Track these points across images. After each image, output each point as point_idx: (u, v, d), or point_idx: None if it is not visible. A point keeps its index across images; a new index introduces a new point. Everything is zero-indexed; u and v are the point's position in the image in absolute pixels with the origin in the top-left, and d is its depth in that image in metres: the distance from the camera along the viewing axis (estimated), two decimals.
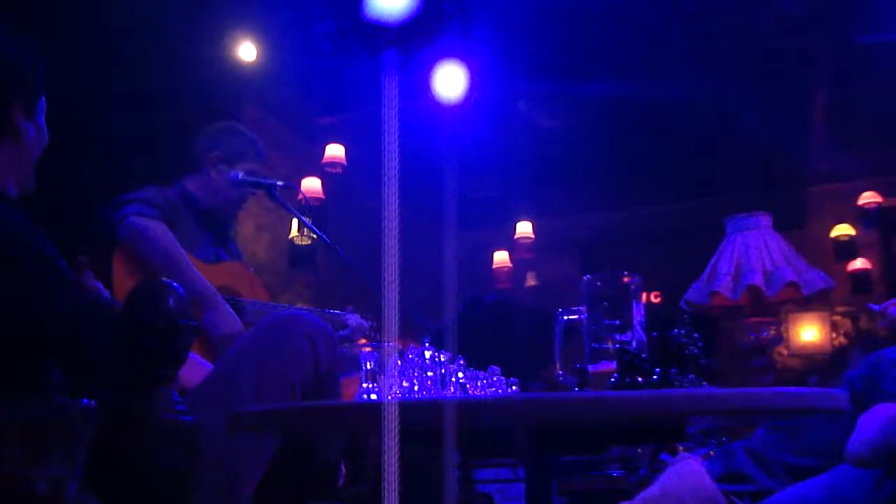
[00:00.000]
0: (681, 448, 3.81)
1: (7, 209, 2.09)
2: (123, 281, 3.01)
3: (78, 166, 4.16)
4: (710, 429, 4.15)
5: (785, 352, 9.09)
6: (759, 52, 6.93)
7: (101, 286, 2.68)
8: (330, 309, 3.56)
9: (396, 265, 1.25)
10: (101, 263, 3.01)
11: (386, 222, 1.25)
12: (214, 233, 3.42)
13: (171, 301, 1.55)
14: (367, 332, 3.55)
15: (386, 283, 1.26)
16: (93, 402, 1.54)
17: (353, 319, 3.52)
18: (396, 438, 1.27)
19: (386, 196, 1.26)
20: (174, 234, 3.14)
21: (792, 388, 1.64)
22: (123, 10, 5.09)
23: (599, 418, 1.53)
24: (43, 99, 2.28)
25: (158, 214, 3.13)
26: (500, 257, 9.20)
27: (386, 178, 1.26)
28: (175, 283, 1.61)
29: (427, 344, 1.97)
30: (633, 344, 1.95)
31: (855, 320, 9.11)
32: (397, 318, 1.28)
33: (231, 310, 3.12)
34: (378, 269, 1.28)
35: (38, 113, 2.27)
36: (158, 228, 3.10)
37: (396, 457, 1.23)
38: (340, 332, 3.40)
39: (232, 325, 3.07)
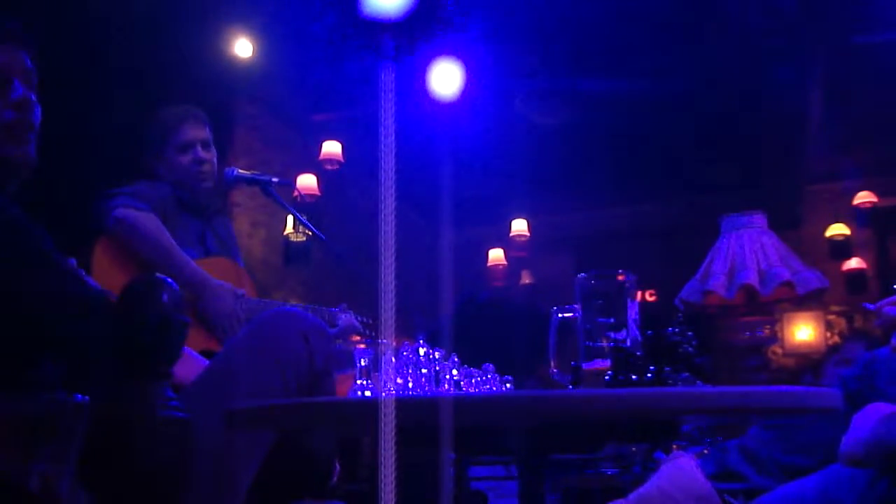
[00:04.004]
0: (675, 446, 3.82)
1: (3, 202, 2.09)
2: (103, 272, 3.03)
3: (70, 161, 4.15)
4: (704, 427, 4.16)
5: (779, 351, 9.10)
6: (755, 52, 6.93)
7: (93, 282, 2.68)
8: (323, 306, 3.56)
9: (392, 262, 1.25)
10: (85, 254, 3.03)
11: (382, 219, 1.25)
12: (204, 226, 3.43)
13: (164, 296, 1.55)
14: (360, 331, 3.55)
15: (381, 281, 1.26)
16: (86, 397, 1.54)
17: (344, 319, 3.52)
18: (391, 435, 1.27)
19: (382, 193, 1.26)
20: (165, 227, 3.16)
21: (785, 387, 1.64)
22: (119, 5, 5.08)
23: (593, 416, 1.53)
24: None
25: (147, 206, 3.16)
26: (495, 255, 9.20)
27: (382, 175, 1.26)
28: (168, 279, 1.61)
29: (422, 341, 1.97)
30: (628, 342, 1.95)
31: (850, 320, 9.13)
32: (393, 315, 1.28)
33: (225, 290, 3.15)
34: (373, 267, 1.28)
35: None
36: (148, 219, 3.13)
37: (391, 454, 1.23)
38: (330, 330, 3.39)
39: (228, 307, 3.11)
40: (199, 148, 3.41)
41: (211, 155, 3.45)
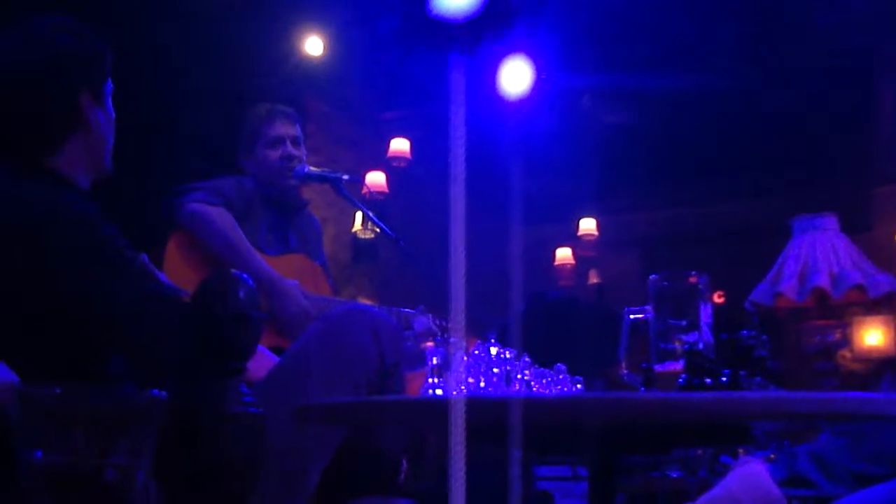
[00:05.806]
0: (741, 451, 3.78)
1: (77, 200, 2.11)
2: (174, 267, 3.06)
3: (146, 161, 4.21)
4: (773, 431, 4.12)
5: (848, 355, 8.96)
6: (825, 52, 6.85)
7: (165, 277, 2.70)
8: (398, 306, 3.55)
9: (463, 260, 1.25)
10: (158, 248, 3.07)
11: (451, 217, 1.25)
12: (287, 223, 3.45)
13: (241, 293, 1.56)
14: (437, 334, 3.53)
15: (452, 279, 1.25)
16: (163, 392, 1.56)
17: (420, 323, 3.50)
18: (461, 435, 1.26)
19: (452, 191, 1.25)
20: (244, 223, 3.18)
21: (862, 394, 1.62)
22: (192, 6, 5.14)
23: (669, 419, 1.52)
24: (110, 82, 2.28)
25: (221, 202, 3.18)
26: (563, 254, 9.15)
27: (452, 173, 1.26)
28: (245, 275, 1.62)
29: (493, 340, 1.97)
30: (700, 344, 1.93)
31: None
32: (464, 315, 1.28)
33: (295, 289, 3.16)
34: (442, 264, 1.27)
35: (106, 98, 2.26)
36: (219, 215, 3.15)
37: (462, 453, 1.23)
38: (405, 332, 3.38)
39: (296, 305, 3.12)
40: (288, 143, 3.43)
41: (300, 153, 3.47)
